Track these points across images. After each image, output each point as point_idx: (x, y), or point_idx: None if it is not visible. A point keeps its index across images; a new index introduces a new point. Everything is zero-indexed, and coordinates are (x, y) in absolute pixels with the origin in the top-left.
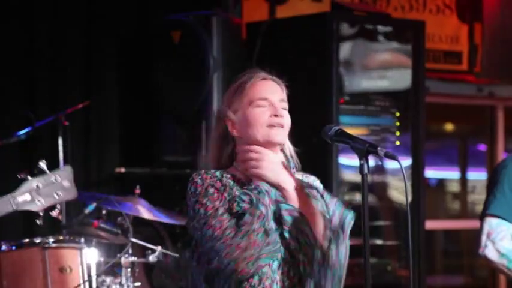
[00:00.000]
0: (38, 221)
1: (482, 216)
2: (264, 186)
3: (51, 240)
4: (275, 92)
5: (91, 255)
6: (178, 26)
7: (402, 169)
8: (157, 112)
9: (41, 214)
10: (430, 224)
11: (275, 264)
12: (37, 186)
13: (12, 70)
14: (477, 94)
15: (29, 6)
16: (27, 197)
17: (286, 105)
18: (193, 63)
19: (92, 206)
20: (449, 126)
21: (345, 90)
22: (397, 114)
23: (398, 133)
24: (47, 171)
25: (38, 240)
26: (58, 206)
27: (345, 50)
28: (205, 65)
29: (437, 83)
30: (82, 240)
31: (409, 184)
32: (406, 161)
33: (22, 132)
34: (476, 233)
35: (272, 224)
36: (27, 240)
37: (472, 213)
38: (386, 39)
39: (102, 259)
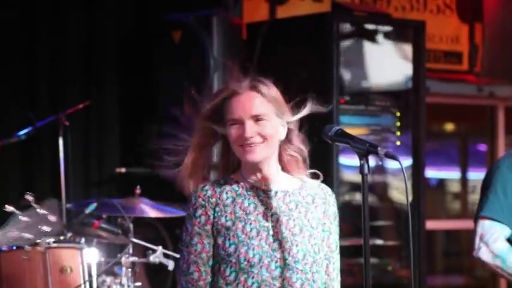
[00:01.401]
0: (23, 256)
1: (475, 218)
2: (274, 189)
3: (51, 240)
4: (248, 109)
5: (92, 255)
6: (178, 26)
7: (403, 169)
8: (158, 112)
9: (28, 248)
10: (431, 224)
11: (277, 272)
12: (24, 221)
13: (12, 70)
14: (477, 94)
15: (29, 6)
16: (15, 233)
17: (265, 116)
18: (194, 63)
19: (92, 206)
20: (449, 126)
21: (346, 90)
22: (398, 114)
23: (398, 133)
24: (34, 205)
25: (38, 241)
26: (38, 241)
27: (345, 50)
28: (205, 65)
29: (438, 83)
30: (83, 240)
31: (409, 184)
32: (407, 161)
33: (22, 132)
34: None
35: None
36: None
37: (472, 213)
38: (387, 39)
39: (102, 259)
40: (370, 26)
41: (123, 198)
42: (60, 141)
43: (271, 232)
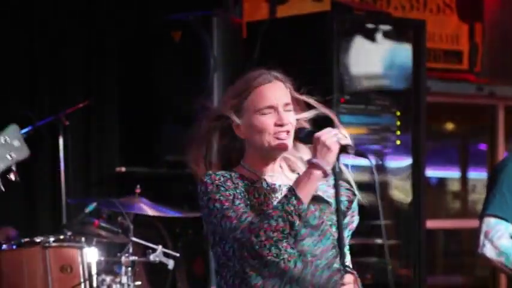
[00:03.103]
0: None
1: (481, 216)
2: (277, 183)
3: (51, 239)
4: (280, 97)
5: (91, 255)
6: (178, 26)
7: (373, 167)
8: (158, 112)
9: None
10: (431, 224)
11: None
12: None
13: (12, 70)
14: (477, 93)
15: (29, 6)
16: None
17: (291, 107)
18: (194, 63)
19: (92, 206)
20: (449, 126)
21: (346, 89)
22: (398, 113)
23: (398, 132)
24: None
25: (38, 240)
26: (14, 168)
27: (345, 49)
28: (205, 65)
29: (438, 82)
30: (83, 239)
31: (409, 183)
32: (407, 161)
33: (22, 132)
34: (476, 233)
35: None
36: (27, 239)
37: (472, 212)
38: (387, 38)
39: (102, 258)
40: (370, 25)
41: (123, 197)
42: (60, 141)
43: None
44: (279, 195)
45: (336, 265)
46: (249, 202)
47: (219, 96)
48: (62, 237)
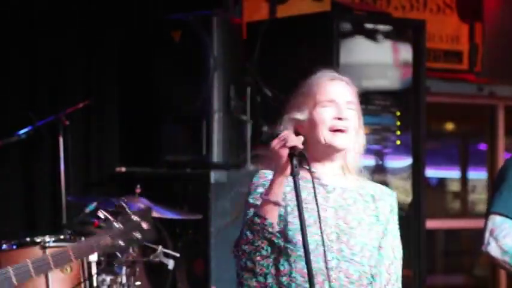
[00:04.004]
0: (115, 263)
1: (486, 214)
2: (331, 185)
3: (51, 239)
4: (342, 93)
5: (91, 255)
6: (178, 26)
7: (310, 168)
8: (158, 112)
9: (119, 255)
10: (431, 223)
11: (333, 262)
12: (118, 228)
13: (12, 70)
14: (477, 93)
15: (29, 6)
16: (108, 240)
17: (354, 106)
18: (194, 63)
19: (92, 206)
20: (449, 126)
21: None
22: (398, 113)
23: (398, 132)
24: (128, 212)
25: (38, 240)
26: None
27: (345, 49)
28: (205, 65)
29: (438, 82)
30: (82, 239)
31: (409, 183)
32: (407, 161)
33: (22, 131)
34: (481, 231)
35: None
36: (27, 239)
37: (472, 212)
38: (387, 38)
39: (102, 258)
40: (370, 25)
41: (123, 197)
42: (60, 141)
43: (328, 223)
44: (331, 196)
45: None
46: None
47: (218, 96)
48: (62, 237)
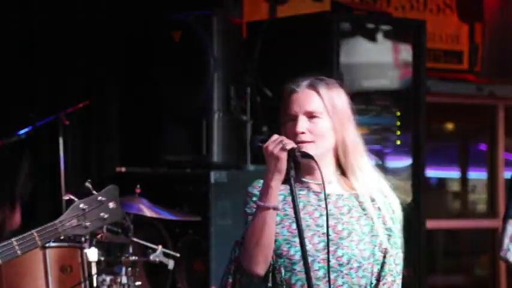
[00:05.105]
0: (84, 245)
1: (505, 217)
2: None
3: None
4: (301, 105)
5: (92, 255)
6: (178, 26)
7: (319, 168)
8: (158, 112)
9: (86, 237)
10: (431, 224)
11: (320, 272)
12: (83, 209)
13: (12, 69)
14: (478, 93)
15: (29, 6)
16: (73, 221)
17: (317, 113)
18: (194, 63)
19: None
20: (449, 126)
21: (346, 89)
22: (398, 113)
23: (398, 132)
24: (93, 192)
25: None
26: (104, 229)
27: (345, 49)
28: (205, 65)
29: (438, 82)
30: (82, 239)
31: (409, 183)
32: (407, 161)
33: (22, 131)
34: (481, 231)
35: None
36: None
37: (472, 212)
38: (387, 38)
39: (102, 258)
40: (370, 25)
41: (123, 197)
42: (60, 141)
43: (317, 233)
44: (322, 204)
45: None
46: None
47: (218, 96)
48: (62, 237)
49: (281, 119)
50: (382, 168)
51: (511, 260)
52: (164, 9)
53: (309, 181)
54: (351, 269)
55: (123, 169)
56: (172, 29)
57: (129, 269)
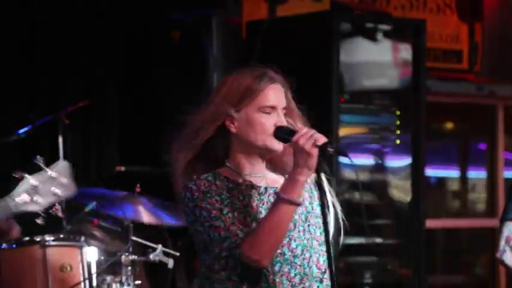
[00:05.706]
0: (38, 221)
1: (502, 219)
2: (263, 185)
3: (51, 238)
4: (281, 99)
5: (91, 254)
6: (178, 26)
7: (354, 165)
8: (157, 111)
9: (41, 213)
10: (430, 223)
11: (276, 267)
12: (34, 185)
13: (12, 69)
14: (477, 93)
15: (29, 6)
16: (25, 197)
17: (286, 109)
18: (193, 63)
19: (92, 205)
20: (449, 125)
21: (346, 89)
22: (398, 112)
23: (398, 132)
24: (44, 168)
25: (38, 239)
26: (57, 205)
27: (345, 48)
28: (205, 65)
29: (438, 82)
30: (82, 238)
31: (409, 183)
32: (407, 160)
33: (22, 130)
34: (481, 230)
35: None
36: (27, 238)
37: (472, 212)
38: (387, 38)
39: (102, 257)
40: (370, 25)
41: (124, 196)
42: (60, 140)
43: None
44: (265, 198)
45: None
46: (232, 205)
47: None
48: (61, 236)
49: (239, 102)
50: (382, 168)
51: (507, 262)
52: (164, 9)
53: (250, 175)
54: (304, 259)
55: (123, 168)
56: (172, 29)
57: (129, 268)
